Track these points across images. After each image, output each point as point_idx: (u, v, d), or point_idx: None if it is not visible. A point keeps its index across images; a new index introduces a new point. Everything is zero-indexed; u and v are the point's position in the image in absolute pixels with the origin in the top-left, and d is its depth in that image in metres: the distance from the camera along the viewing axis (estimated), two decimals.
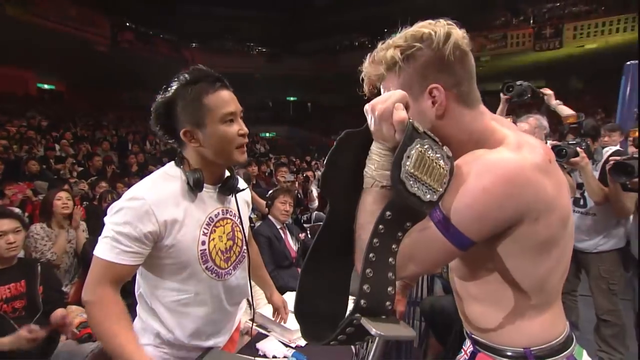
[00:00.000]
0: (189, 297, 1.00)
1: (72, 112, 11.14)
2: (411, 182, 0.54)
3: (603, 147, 2.17)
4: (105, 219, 0.93)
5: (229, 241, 1.07)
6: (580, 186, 2.15)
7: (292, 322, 1.55)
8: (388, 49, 0.68)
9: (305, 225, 4.01)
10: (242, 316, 1.30)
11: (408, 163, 0.54)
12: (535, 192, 0.61)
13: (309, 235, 3.22)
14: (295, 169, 7.35)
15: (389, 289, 0.55)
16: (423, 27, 0.66)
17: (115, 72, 13.33)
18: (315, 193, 4.43)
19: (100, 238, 0.92)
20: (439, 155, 0.57)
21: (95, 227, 2.85)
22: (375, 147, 0.64)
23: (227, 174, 1.09)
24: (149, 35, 13.99)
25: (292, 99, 21.37)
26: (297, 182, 4.66)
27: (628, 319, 2.20)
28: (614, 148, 2.19)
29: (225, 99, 0.96)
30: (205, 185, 0.99)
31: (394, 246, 0.57)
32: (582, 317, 2.52)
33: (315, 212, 4.41)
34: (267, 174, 6.67)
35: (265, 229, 2.45)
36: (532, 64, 14.24)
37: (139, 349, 0.88)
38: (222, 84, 0.97)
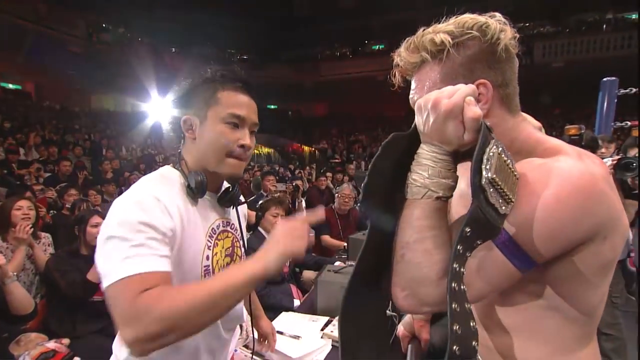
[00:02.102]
0: None
1: (40, 114, 10.49)
2: (491, 191, 0.45)
3: (603, 159, 2.16)
4: (106, 234, 0.72)
5: (227, 258, 0.92)
6: None
7: (290, 348, 1.41)
8: (436, 33, 0.60)
9: None
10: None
11: (488, 167, 0.44)
12: (608, 206, 0.54)
13: None
14: (277, 178, 7.21)
15: (472, 324, 0.44)
16: (477, 16, 0.60)
17: (90, 74, 12.78)
18: (304, 204, 4.30)
19: (108, 263, 0.69)
20: (511, 160, 0.48)
21: (64, 239, 2.58)
22: (427, 151, 0.54)
23: (225, 185, 0.96)
24: (127, 38, 13.56)
25: (272, 107, 21.25)
26: (287, 192, 4.53)
27: (628, 331, 2.18)
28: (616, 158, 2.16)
29: (240, 101, 0.85)
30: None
31: (463, 270, 0.46)
32: None
33: None
34: (249, 182, 6.48)
35: (255, 242, 2.28)
36: None
37: (243, 268, 0.70)
38: (245, 87, 0.86)
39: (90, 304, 1.97)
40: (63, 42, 10.99)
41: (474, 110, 0.49)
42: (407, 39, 0.63)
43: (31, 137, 6.86)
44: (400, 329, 1.10)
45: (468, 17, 0.60)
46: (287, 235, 0.69)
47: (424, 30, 0.62)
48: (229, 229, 0.94)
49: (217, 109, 0.83)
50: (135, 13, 14.55)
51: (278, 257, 0.69)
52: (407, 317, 1.10)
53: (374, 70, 16.30)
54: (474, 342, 0.43)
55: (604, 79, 3.93)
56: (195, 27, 16.96)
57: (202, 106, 0.84)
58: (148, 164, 6.85)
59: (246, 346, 1.44)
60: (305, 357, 1.39)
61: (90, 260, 2.01)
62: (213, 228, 0.88)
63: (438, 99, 0.51)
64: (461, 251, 0.46)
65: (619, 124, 3.71)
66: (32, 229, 2.14)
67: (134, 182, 0.84)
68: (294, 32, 18.26)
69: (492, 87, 0.59)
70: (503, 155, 0.47)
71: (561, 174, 0.52)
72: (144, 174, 0.90)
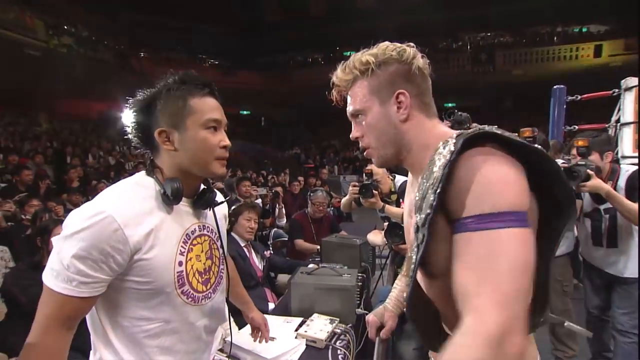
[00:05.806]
0: (160, 326, 0.86)
1: None
2: None
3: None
4: (58, 240, 0.78)
5: (208, 260, 0.95)
6: None
7: (265, 349, 1.44)
8: (362, 56, 0.75)
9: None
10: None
11: None
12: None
13: (272, 252, 3.10)
14: (252, 183, 7.16)
15: None
16: (395, 44, 0.75)
17: (51, 79, 12.09)
18: (284, 210, 4.28)
19: (51, 264, 0.77)
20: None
21: (23, 252, 2.46)
22: None
23: (202, 186, 0.98)
24: (91, 41, 12.97)
25: (245, 112, 21.04)
26: (268, 197, 4.50)
27: (577, 317, 2.35)
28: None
29: (212, 106, 0.90)
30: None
31: None
32: None
33: (275, 229, 4.28)
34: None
35: (229, 247, 2.28)
36: (470, 84, 15.73)
37: None
38: (211, 90, 0.91)
39: None
40: (21, 45, 10.34)
41: None
42: (342, 62, 0.78)
43: None
44: (370, 316, 1.18)
45: (389, 44, 0.75)
46: None
47: (354, 56, 0.76)
48: (205, 232, 0.96)
49: (194, 117, 0.86)
50: (101, 16, 14.01)
51: None
52: (380, 308, 1.18)
53: None
54: None
55: (554, 87, 4.25)
56: (166, 31, 16.58)
57: (178, 117, 0.86)
58: (117, 172, 6.61)
59: (221, 350, 1.46)
60: (280, 357, 1.43)
61: None
62: (188, 234, 0.90)
63: None
64: None
65: (568, 128, 4.01)
66: None
67: (102, 191, 0.86)
68: (265, 39, 18.24)
69: (410, 96, 0.73)
70: None
71: (484, 158, 0.62)
72: (113, 182, 0.91)
